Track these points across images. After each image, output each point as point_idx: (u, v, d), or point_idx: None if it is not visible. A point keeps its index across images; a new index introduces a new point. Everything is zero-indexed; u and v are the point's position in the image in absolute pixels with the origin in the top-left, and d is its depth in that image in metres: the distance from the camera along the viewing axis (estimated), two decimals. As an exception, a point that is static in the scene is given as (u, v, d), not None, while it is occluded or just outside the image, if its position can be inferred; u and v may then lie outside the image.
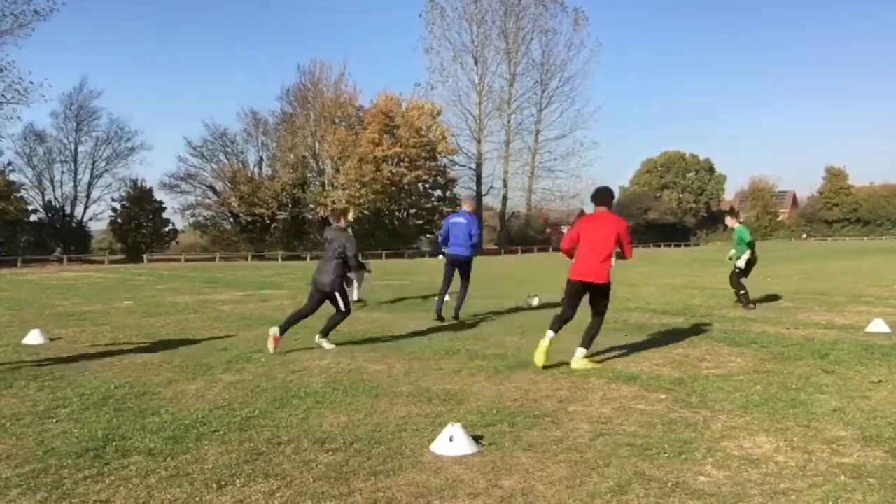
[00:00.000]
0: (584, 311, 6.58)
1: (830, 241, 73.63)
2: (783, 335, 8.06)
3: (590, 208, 6.91)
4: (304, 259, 45.38)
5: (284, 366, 6.51)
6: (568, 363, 6.28)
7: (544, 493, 3.31)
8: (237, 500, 3.28)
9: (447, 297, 9.86)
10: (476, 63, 61.70)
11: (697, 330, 8.52)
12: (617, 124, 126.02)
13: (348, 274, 7.72)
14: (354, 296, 11.25)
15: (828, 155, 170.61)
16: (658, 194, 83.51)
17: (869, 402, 4.95)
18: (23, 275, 26.86)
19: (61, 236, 49.00)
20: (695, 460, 3.75)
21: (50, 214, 49.96)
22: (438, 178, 57.87)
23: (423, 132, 55.09)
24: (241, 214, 52.83)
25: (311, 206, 53.33)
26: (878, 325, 8.33)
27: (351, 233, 7.84)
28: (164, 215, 51.49)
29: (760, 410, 4.73)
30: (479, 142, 62.52)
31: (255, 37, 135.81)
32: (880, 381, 5.61)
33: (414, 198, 56.89)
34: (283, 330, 7.28)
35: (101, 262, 42.87)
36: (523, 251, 57.25)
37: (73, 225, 50.81)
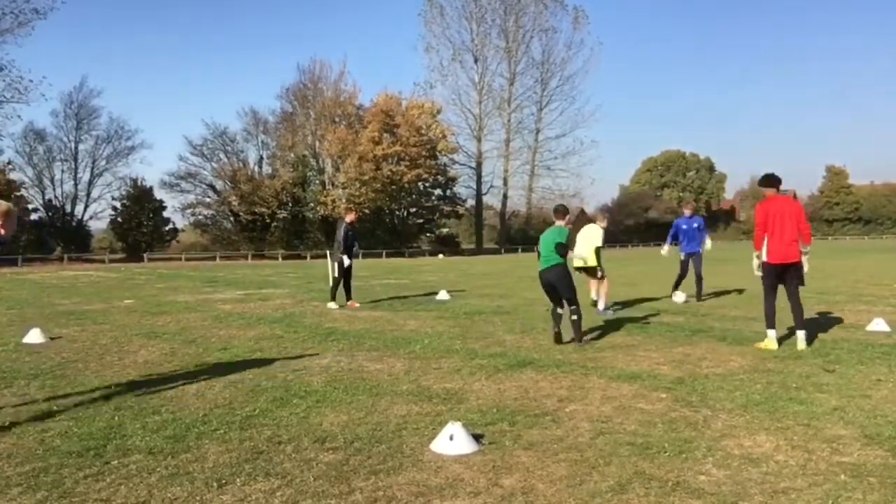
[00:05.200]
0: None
1: (831, 240, 73.54)
2: (783, 334, 8.03)
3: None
4: (305, 258, 45.37)
5: (285, 365, 6.52)
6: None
7: (545, 492, 3.31)
8: (238, 498, 3.28)
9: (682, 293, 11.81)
10: (476, 62, 61.73)
11: (698, 329, 8.51)
12: (617, 123, 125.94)
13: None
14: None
15: (828, 154, 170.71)
16: (658, 193, 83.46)
17: (869, 400, 4.94)
18: (23, 274, 26.89)
19: (62, 235, 48.98)
20: (695, 459, 3.75)
21: (50, 213, 49.95)
22: (439, 176, 57.75)
23: (423, 131, 54.94)
24: (241, 213, 52.74)
25: (312, 204, 53.25)
26: (879, 324, 8.32)
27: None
28: (165, 214, 51.51)
29: (761, 409, 4.73)
30: (479, 140, 62.52)
31: (254, 35, 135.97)
32: (880, 379, 5.61)
33: (414, 196, 56.82)
34: None
35: (102, 261, 42.87)
36: (524, 250, 57.19)
37: (74, 224, 50.80)
